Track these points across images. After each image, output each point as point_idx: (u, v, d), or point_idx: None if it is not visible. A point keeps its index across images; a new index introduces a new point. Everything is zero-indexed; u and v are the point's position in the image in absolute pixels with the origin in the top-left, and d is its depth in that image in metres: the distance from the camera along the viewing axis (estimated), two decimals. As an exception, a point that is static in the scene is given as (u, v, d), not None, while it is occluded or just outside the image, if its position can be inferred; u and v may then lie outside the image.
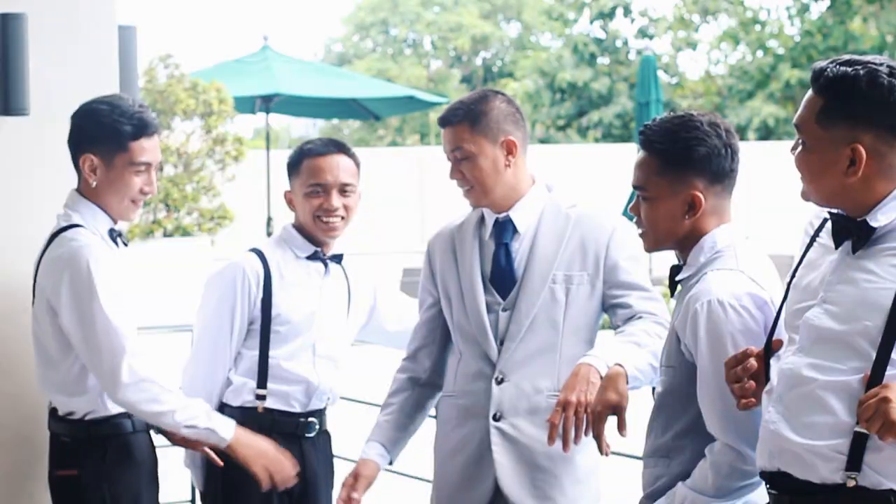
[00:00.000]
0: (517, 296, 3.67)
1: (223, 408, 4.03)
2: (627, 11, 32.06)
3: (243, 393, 4.04)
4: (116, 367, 3.73)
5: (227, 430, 3.86)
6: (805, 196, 2.78)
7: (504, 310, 3.68)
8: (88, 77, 4.45)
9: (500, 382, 3.67)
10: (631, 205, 3.27)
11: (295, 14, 61.18)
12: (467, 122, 3.68)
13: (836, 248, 2.73)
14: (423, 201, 21.49)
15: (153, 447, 4.01)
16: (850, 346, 2.64)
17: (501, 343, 3.68)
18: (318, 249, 4.10)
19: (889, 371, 2.61)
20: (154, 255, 14.57)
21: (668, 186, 3.15)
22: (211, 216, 16.40)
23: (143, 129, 3.85)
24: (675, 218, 3.16)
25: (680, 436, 3.15)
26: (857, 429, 2.61)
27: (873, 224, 2.67)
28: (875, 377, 2.61)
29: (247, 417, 3.99)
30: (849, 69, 2.67)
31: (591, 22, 32.42)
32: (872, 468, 2.61)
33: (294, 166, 4.08)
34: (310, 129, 39.51)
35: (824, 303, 2.71)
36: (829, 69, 2.69)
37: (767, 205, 20.79)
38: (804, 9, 30.52)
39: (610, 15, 32.02)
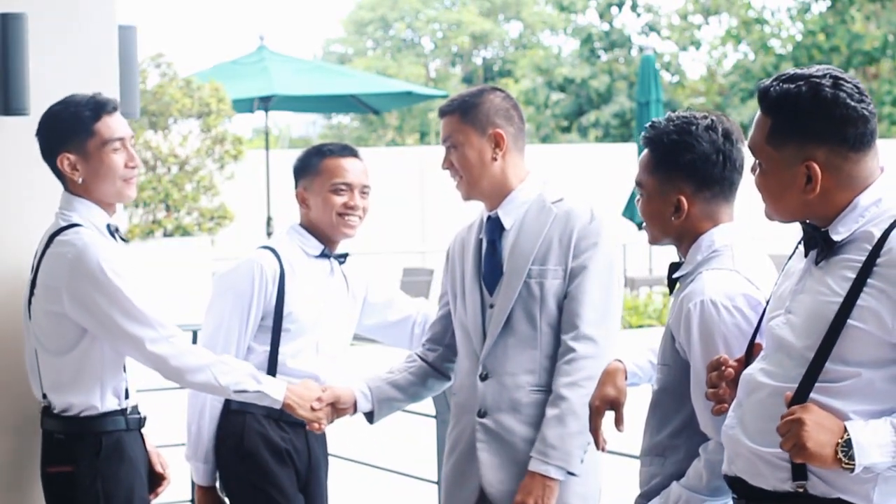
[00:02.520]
0: (499, 292, 3.71)
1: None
2: (635, 6, 32.04)
3: None
4: (153, 347, 3.80)
5: (279, 392, 3.90)
6: (769, 216, 2.77)
7: (490, 306, 3.73)
8: (88, 77, 4.44)
9: (483, 378, 3.71)
10: (637, 197, 3.31)
11: (293, 14, 61.17)
12: (459, 112, 3.77)
13: (806, 255, 2.73)
14: (423, 201, 21.49)
15: (145, 448, 4.03)
16: (802, 357, 2.63)
17: (485, 339, 3.72)
18: (326, 248, 4.17)
19: (838, 384, 2.59)
20: (154, 255, 14.58)
21: (657, 185, 3.18)
22: (211, 216, 16.41)
23: (100, 108, 3.91)
24: (663, 217, 3.19)
25: (675, 434, 3.16)
26: None
27: (834, 237, 2.66)
28: (802, 389, 2.60)
29: (256, 405, 4.03)
30: (791, 86, 2.64)
31: (601, 18, 32.39)
32: (820, 478, 2.60)
33: (311, 167, 4.19)
34: (310, 128, 39.51)
35: (788, 313, 2.71)
36: (772, 88, 2.67)
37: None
38: (806, 8, 30.53)
39: (619, 5, 31.99)
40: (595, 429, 3.30)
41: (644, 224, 3.27)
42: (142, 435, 4.02)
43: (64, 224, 3.87)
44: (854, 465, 2.52)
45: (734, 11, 31.49)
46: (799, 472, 2.61)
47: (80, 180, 3.90)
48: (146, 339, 3.79)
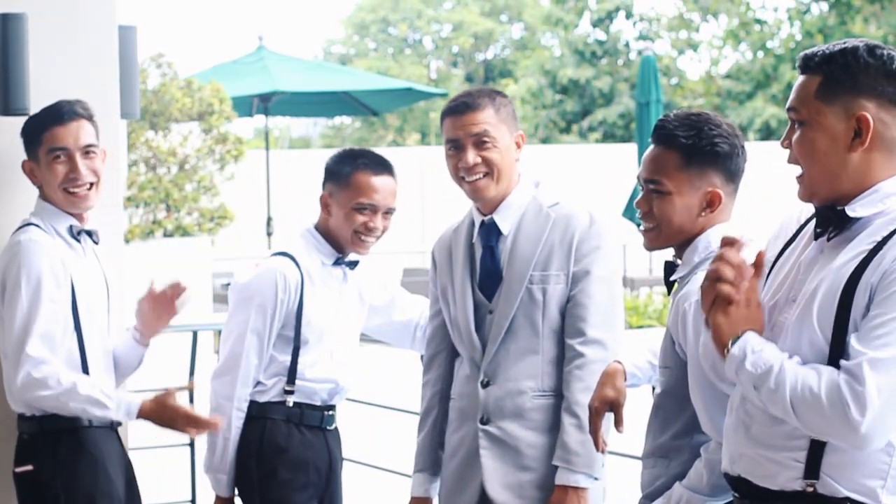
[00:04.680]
0: (499, 298, 3.67)
1: (251, 405, 4.05)
2: (630, 14, 32.08)
3: (272, 391, 4.07)
4: (17, 364, 3.81)
5: (133, 411, 3.86)
6: (809, 191, 2.69)
7: (490, 312, 3.69)
8: (88, 77, 4.45)
9: (485, 385, 3.68)
10: (638, 199, 3.23)
11: (294, 15, 61.18)
12: (493, 108, 3.69)
13: (816, 239, 2.70)
14: (423, 201, 21.48)
15: (119, 443, 4.04)
16: (817, 351, 2.60)
17: (486, 345, 3.68)
18: (341, 256, 4.13)
19: None
20: (154, 255, 14.57)
21: (688, 182, 3.14)
22: (211, 216, 16.40)
23: (52, 117, 3.96)
24: (690, 214, 3.15)
25: (678, 436, 3.15)
26: (814, 437, 2.59)
27: (850, 213, 2.63)
28: None
29: (276, 411, 4.04)
30: (846, 45, 2.65)
31: (594, 26, 32.43)
32: (830, 477, 2.59)
33: (342, 175, 4.07)
34: (310, 128, 39.50)
35: (793, 301, 2.67)
36: (822, 50, 2.67)
37: (767, 204, 20.79)
38: (805, 9, 30.52)
39: (611, 17, 32.04)
40: (595, 430, 3.30)
41: (655, 226, 3.20)
42: (118, 433, 4.04)
43: (22, 224, 3.97)
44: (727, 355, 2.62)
45: (733, 12, 31.48)
46: (811, 471, 2.60)
47: (38, 186, 4.01)
48: (16, 349, 3.80)
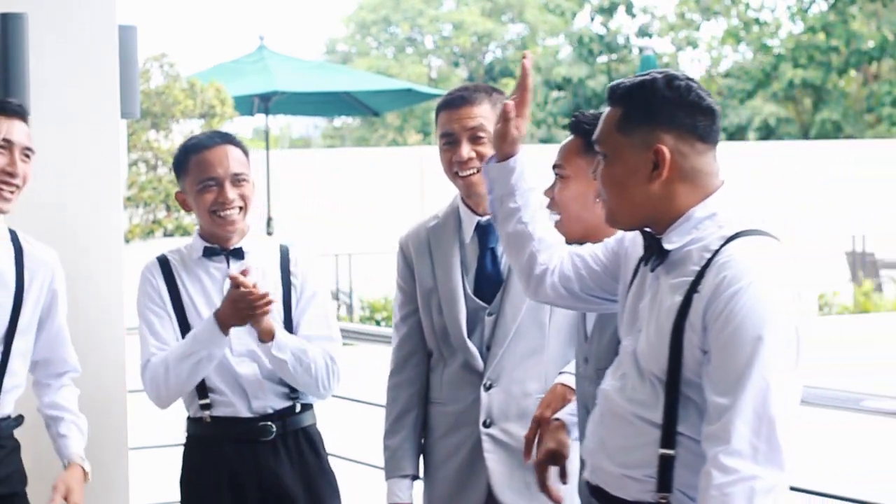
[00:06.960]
0: (502, 300, 3.61)
1: (188, 419, 3.93)
2: (630, 8, 32.11)
3: (192, 406, 3.91)
4: None
5: None
6: (612, 218, 2.74)
7: (489, 314, 3.63)
8: (88, 77, 4.45)
9: (488, 388, 3.62)
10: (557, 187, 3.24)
11: (295, 14, 61.22)
12: (489, 103, 3.60)
13: (646, 264, 2.74)
14: (423, 201, 21.51)
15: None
16: (652, 375, 2.65)
17: (488, 349, 3.62)
18: (215, 246, 3.93)
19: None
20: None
21: (585, 169, 3.13)
22: (211, 216, 16.40)
23: None
24: (586, 202, 3.15)
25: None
26: (662, 451, 2.62)
27: (667, 246, 2.66)
28: (667, 426, 2.62)
29: (197, 427, 3.90)
30: (646, 77, 2.69)
31: (592, 19, 32.49)
32: (682, 491, 2.62)
33: (182, 165, 3.91)
34: (311, 128, 39.57)
35: (638, 331, 2.72)
36: (624, 82, 2.71)
37: (767, 204, 20.78)
38: (806, 8, 30.54)
39: (611, 10, 32.07)
40: (542, 483, 3.27)
41: (560, 216, 3.17)
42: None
43: None
44: None
45: (732, 12, 31.50)
46: (664, 485, 2.63)
47: None
48: None
